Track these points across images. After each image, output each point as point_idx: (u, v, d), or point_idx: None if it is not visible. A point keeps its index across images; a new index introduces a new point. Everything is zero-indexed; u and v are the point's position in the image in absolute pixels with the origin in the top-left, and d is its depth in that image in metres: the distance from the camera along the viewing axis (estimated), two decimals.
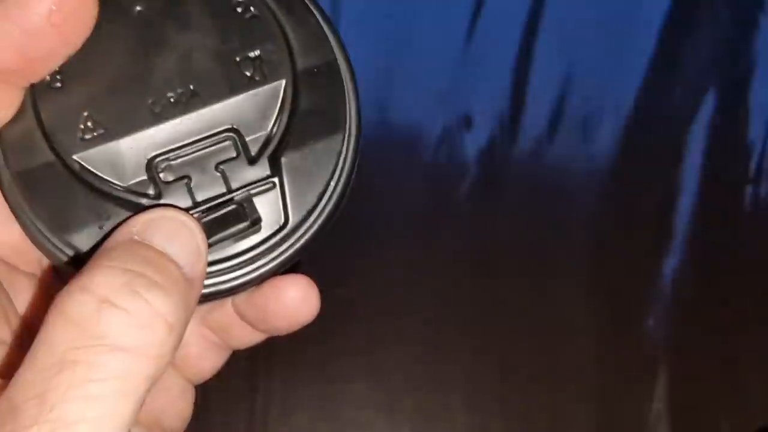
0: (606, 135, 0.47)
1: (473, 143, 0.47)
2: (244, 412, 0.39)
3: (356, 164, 0.21)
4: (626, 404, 0.40)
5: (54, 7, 0.16)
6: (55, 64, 0.17)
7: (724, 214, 0.44)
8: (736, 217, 0.44)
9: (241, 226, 0.19)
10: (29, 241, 0.19)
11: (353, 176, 0.21)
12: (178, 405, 0.24)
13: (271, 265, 0.20)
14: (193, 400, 0.25)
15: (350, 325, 0.40)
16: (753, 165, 0.45)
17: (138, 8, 0.18)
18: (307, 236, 0.20)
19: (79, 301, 0.14)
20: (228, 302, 0.24)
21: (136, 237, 0.16)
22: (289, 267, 0.21)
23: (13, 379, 0.14)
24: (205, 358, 0.24)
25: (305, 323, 0.23)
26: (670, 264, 0.43)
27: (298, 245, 0.20)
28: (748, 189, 0.45)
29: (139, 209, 0.17)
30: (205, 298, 0.19)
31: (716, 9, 0.50)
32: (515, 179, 0.46)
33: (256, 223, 0.19)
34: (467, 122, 0.48)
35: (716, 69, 0.48)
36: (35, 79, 0.17)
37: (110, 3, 0.18)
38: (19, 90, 0.17)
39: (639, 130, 0.47)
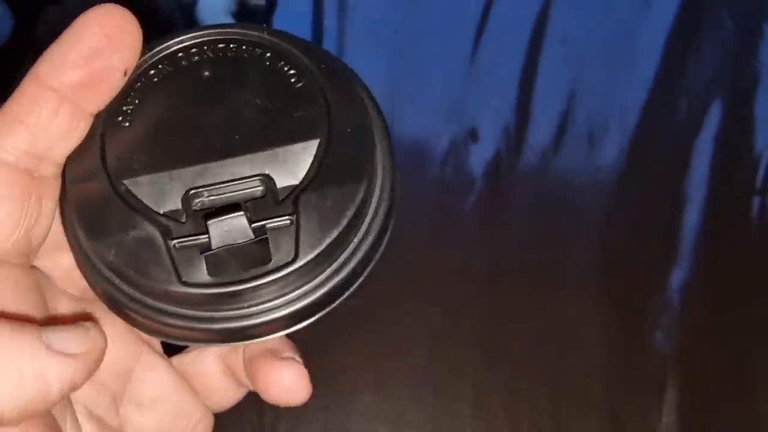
0: (612, 147, 0.47)
1: (479, 156, 0.47)
2: (253, 425, 0.39)
3: (389, 220, 0.22)
4: (635, 417, 0.40)
5: (107, 27, 0.19)
6: (116, 76, 0.19)
7: (731, 225, 0.44)
8: (743, 228, 0.44)
9: (249, 241, 0.19)
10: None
11: (384, 235, 0.22)
12: (198, 430, 0.24)
13: (283, 311, 0.20)
14: (212, 426, 0.25)
15: (358, 338, 0.40)
16: (759, 176, 0.45)
17: (206, 73, 0.21)
18: (320, 278, 0.20)
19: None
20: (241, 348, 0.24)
21: None
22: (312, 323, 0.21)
23: None
24: (228, 390, 0.25)
25: (294, 405, 0.24)
26: (678, 276, 0.43)
27: (311, 290, 0.20)
28: (755, 200, 0.45)
29: (166, 230, 0.20)
30: (223, 339, 0.21)
31: (720, 21, 0.50)
32: (521, 192, 0.46)
33: (264, 246, 0.20)
34: (473, 136, 0.48)
35: (721, 81, 0.48)
36: (100, 101, 0.19)
37: (183, 68, 0.21)
38: (88, 116, 0.19)
39: (645, 142, 0.47)
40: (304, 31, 0.52)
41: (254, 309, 0.20)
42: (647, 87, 0.48)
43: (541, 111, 0.48)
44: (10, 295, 0.19)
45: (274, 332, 0.21)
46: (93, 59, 0.18)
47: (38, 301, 0.20)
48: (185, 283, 0.19)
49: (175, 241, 0.19)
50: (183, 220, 0.20)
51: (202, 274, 0.19)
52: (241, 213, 0.19)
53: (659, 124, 0.48)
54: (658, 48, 0.49)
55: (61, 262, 0.21)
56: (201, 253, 0.19)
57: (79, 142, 0.19)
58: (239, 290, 0.20)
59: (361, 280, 0.22)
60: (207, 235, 0.19)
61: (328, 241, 0.20)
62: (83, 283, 0.21)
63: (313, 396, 0.41)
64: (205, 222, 0.19)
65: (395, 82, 0.50)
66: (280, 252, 0.20)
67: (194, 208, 0.20)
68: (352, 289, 0.21)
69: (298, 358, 0.24)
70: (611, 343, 0.42)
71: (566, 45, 0.50)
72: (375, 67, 0.51)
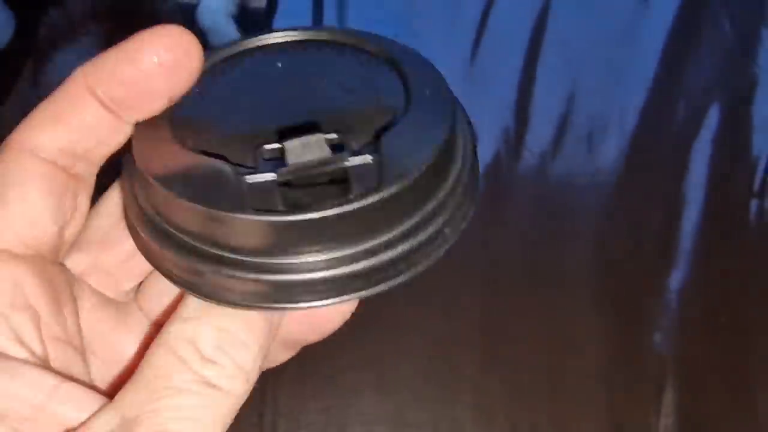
0: (611, 150, 0.47)
1: (479, 159, 0.47)
2: (253, 426, 0.40)
3: (476, 180, 0.20)
4: (634, 418, 0.40)
5: (164, 53, 0.18)
6: (160, 102, 0.19)
7: (729, 227, 0.44)
8: (741, 231, 0.44)
9: (326, 167, 0.17)
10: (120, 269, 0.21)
11: (473, 195, 0.20)
12: None
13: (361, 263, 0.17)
14: None
15: (358, 341, 0.41)
16: (757, 179, 0.45)
17: (279, 59, 0.21)
18: (405, 225, 0.18)
19: (174, 355, 0.17)
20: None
21: None
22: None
23: (124, 397, 0.17)
24: None
25: (334, 330, 0.23)
26: (676, 277, 0.43)
27: (394, 242, 0.18)
28: (753, 202, 0.45)
29: (237, 170, 0.18)
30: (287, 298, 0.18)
31: (719, 25, 0.50)
32: (520, 194, 0.46)
33: (343, 175, 0.18)
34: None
35: (719, 84, 0.48)
36: (142, 116, 0.19)
37: (257, 56, 0.21)
38: (130, 126, 0.19)
39: (644, 144, 0.47)
40: None
41: (330, 254, 0.17)
42: (646, 89, 0.49)
43: (540, 113, 0.49)
44: (39, 288, 0.19)
45: (346, 293, 0.18)
46: (143, 83, 0.18)
47: (67, 298, 0.20)
48: (257, 211, 0.17)
49: (247, 177, 0.17)
50: (256, 165, 0.18)
51: (276, 205, 0.17)
52: (320, 133, 0.18)
53: (658, 126, 0.48)
54: (657, 51, 0.50)
55: (98, 261, 0.21)
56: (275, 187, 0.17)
57: (120, 146, 0.19)
58: (316, 219, 0.17)
59: (448, 244, 0.19)
60: (282, 163, 0.17)
61: (414, 175, 0.18)
62: (113, 285, 0.21)
63: (314, 397, 0.41)
64: (281, 143, 0.18)
65: None
66: (361, 183, 0.17)
67: (266, 157, 0.18)
68: (439, 250, 0.19)
69: None
70: (610, 345, 0.42)
71: (565, 47, 0.51)
72: None
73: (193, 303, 0.18)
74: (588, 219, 0.45)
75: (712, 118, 0.47)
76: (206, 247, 0.18)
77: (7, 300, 0.18)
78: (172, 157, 0.18)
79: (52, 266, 0.19)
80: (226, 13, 0.89)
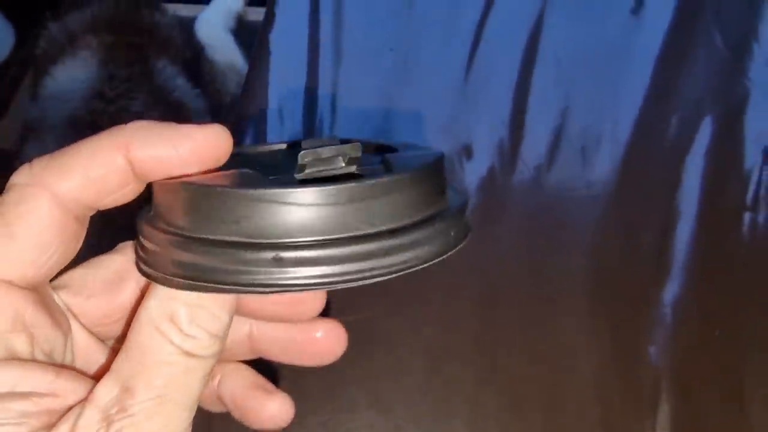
0: (604, 163, 0.47)
1: (474, 172, 0.48)
2: None
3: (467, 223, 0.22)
4: (629, 431, 0.40)
5: (203, 148, 0.20)
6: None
7: (723, 240, 0.45)
8: (735, 244, 0.44)
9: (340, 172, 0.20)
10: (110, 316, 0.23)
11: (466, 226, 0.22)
12: None
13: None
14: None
15: (354, 355, 0.41)
16: (750, 192, 0.46)
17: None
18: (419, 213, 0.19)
19: (156, 332, 0.20)
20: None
21: None
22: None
23: (120, 368, 0.20)
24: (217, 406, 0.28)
25: (331, 361, 0.25)
26: (671, 290, 0.43)
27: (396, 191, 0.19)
28: (746, 215, 0.45)
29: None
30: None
31: (711, 39, 0.51)
32: (515, 207, 0.47)
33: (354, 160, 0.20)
34: (467, 151, 0.48)
35: (712, 97, 0.49)
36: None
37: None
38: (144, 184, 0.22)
39: (637, 158, 0.47)
40: (300, 48, 0.53)
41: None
42: (639, 103, 0.49)
43: (534, 127, 0.49)
44: (38, 315, 0.21)
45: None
46: (177, 164, 0.20)
47: (63, 321, 0.22)
48: (273, 182, 0.19)
49: (270, 177, 0.20)
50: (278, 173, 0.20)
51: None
52: (336, 143, 0.20)
53: (651, 139, 0.48)
54: (650, 65, 0.50)
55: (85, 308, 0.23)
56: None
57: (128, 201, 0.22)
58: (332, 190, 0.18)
59: (457, 246, 0.20)
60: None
61: (420, 166, 0.20)
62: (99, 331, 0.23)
63: (311, 412, 0.41)
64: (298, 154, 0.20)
65: (390, 99, 0.51)
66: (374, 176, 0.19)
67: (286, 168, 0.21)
68: (460, 243, 0.21)
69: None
70: (605, 358, 0.42)
71: (559, 61, 0.51)
72: (370, 84, 0.52)
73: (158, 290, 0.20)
74: (582, 231, 0.46)
75: (705, 131, 0.48)
76: (225, 237, 0.19)
77: (8, 326, 0.20)
78: (194, 176, 0.20)
79: (48, 294, 0.21)
80: (225, 26, 0.90)
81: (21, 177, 0.20)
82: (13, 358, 0.20)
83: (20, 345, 0.20)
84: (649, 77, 0.50)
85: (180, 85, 0.81)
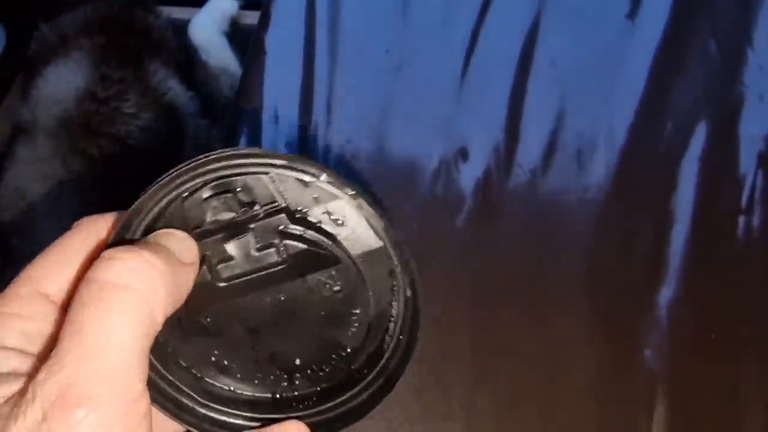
0: (599, 167, 0.47)
1: (469, 175, 0.47)
2: None
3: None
4: None
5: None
6: None
7: (718, 243, 0.45)
8: (730, 247, 0.44)
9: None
10: None
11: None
12: None
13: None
14: None
15: None
16: (745, 195, 0.46)
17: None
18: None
19: (97, 267, 0.21)
20: None
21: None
22: None
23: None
24: None
25: None
26: (666, 294, 0.43)
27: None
28: (741, 219, 0.45)
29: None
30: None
31: (705, 44, 0.51)
32: (511, 210, 0.47)
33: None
34: (463, 154, 0.48)
35: (706, 102, 0.49)
36: None
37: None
38: None
39: (632, 162, 0.48)
40: (296, 51, 0.53)
41: None
42: (634, 107, 0.49)
43: (530, 130, 0.49)
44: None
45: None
46: None
47: None
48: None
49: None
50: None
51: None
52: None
53: (646, 143, 0.48)
54: (645, 69, 0.50)
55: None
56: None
57: None
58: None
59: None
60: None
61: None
62: None
63: None
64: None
65: (386, 101, 0.50)
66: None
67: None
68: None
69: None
70: (600, 361, 0.42)
71: (555, 66, 0.51)
72: (366, 86, 0.51)
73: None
74: (577, 235, 0.46)
75: (700, 135, 0.48)
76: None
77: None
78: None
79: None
80: (218, 29, 0.89)
81: (85, 219, 0.24)
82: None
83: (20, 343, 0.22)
84: (644, 81, 0.50)
85: (173, 87, 0.81)
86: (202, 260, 0.25)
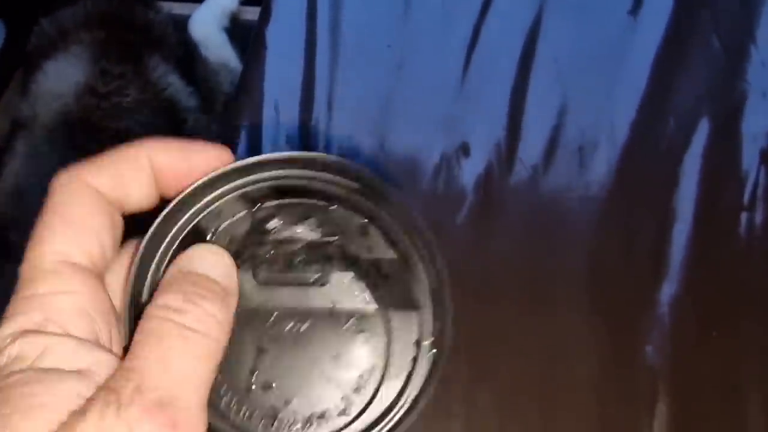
0: (601, 163, 0.47)
1: (471, 171, 0.47)
2: None
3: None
4: (626, 431, 0.40)
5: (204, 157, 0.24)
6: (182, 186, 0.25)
7: (720, 240, 0.45)
8: (732, 244, 0.44)
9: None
10: None
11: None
12: None
13: None
14: None
15: None
16: (747, 192, 0.46)
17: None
18: None
19: (159, 317, 0.21)
20: None
21: (185, 269, 0.23)
22: None
23: (130, 356, 0.21)
24: None
25: None
26: (668, 291, 0.43)
27: None
28: (743, 216, 0.45)
29: None
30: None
31: (708, 40, 0.51)
32: (512, 207, 0.46)
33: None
34: (465, 150, 0.48)
35: (709, 99, 0.49)
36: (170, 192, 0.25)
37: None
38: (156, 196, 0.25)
39: (634, 158, 0.47)
40: (297, 46, 0.53)
41: None
42: (636, 104, 0.49)
43: (532, 126, 0.49)
44: (96, 301, 0.22)
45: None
46: (185, 175, 0.24)
47: (111, 311, 0.24)
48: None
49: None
50: None
51: None
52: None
53: (648, 140, 0.48)
54: (647, 66, 0.50)
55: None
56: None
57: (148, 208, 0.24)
58: None
59: None
60: None
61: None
62: None
63: None
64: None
65: (387, 97, 0.50)
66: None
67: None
68: None
69: None
70: (601, 358, 0.42)
71: (556, 62, 0.51)
72: (367, 82, 0.51)
73: (158, 291, 0.22)
74: (579, 232, 0.45)
75: (702, 132, 0.48)
76: None
77: (72, 306, 0.22)
78: None
79: (102, 284, 0.23)
80: (219, 25, 0.89)
81: (61, 179, 0.23)
82: (91, 341, 0.21)
83: (99, 327, 0.22)
84: (646, 78, 0.50)
85: (173, 82, 0.80)
86: (249, 258, 0.25)
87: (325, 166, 0.25)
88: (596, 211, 0.46)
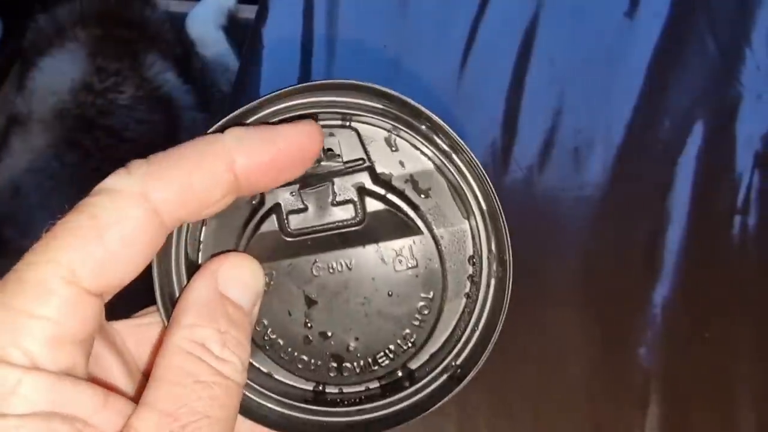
0: (596, 165, 0.47)
1: None
2: None
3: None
4: (618, 431, 0.40)
5: (299, 142, 0.21)
6: (276, 183, 0.22)
7: (713, 243, 0.45)
8: (725, 246, 0.44)
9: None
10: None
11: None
12: None
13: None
14: None
15: None
16: (741, 195, 0.46)
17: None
18: None
19: (191, 356, 0.20)
20: None
21: (221, 290, 0.21)
22: None
23: (156, 396, 0.19)
24: None
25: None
26: (661, 292, 0.43)
27: None
28: (736, 218, 0.45)
29: None
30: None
31: (703, 43, 0.51)
32: (507, 207, 0.46)
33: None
34: None
35: (704, 101, 0.49)
36: (252, 193, 0.22)
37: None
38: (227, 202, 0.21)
39: (629, 160, 0.47)
40: (293, 43, 0.53)
41: None
42: (631, 106, 0.49)
43: (527, 127, 0.49)
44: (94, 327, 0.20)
45: None
46: (278, 161, 0.21)
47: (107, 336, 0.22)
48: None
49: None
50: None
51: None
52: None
53: (643, 142, 0.48)
54: (643, 68, 0.50)
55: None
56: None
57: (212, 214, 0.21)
58: None
59: None
60: None
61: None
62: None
63: None
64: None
65: None
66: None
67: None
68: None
69: None
70: (595, 359, 0.42)
71: (552, 63, 0.51)
72: (363, 79, 0.51)
73: (189, 312, 0.20)
74: (574, 233, 0.46)
75: (697, 135, 0.48)
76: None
77: (74, 335, 0.19)
78: None
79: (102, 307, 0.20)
80: (216, 23, 0.89)
81: (118, 182, 0.19)
82: (68, 374, 0.18)
83: (79, 358, 0.19)
84: (642, 80, 0.50)
85: (169, 79, 0.80)
86: (273, 208, 0.23)
87: (339, 88, 0.23)
88: (591, 211, 0.46)
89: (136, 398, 0.20)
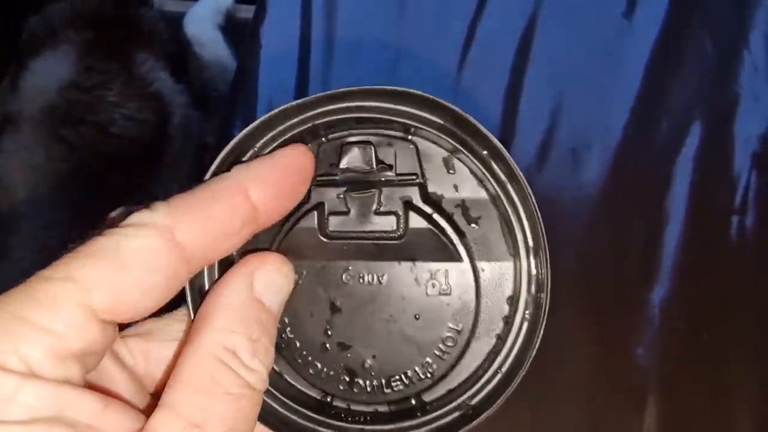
0: (594, 165, 0.47)
1: None
2: None
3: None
4: (616, 431, 0.40)
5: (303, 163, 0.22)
6: (291, 205, 0.23)
7: (711, 243, 0.45)
8: (723, 247, 0.44)
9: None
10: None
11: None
12: None
13: None
14: None
15: None
16: (738, 195, 0.46)
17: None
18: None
19: (222, 365, 0.20)
20: None
21: (256, 294, 0.21)
22: None
23: (182, 400, 0.19)
24: None
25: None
26: (658, 292, 0.43)
27: None
28: (734, 219, 0.45)
29: None
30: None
31: (701, 44, 0.51)
32: None
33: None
34: None
35: (702, 102, 0.49)
36: (270, 223, 0.22)
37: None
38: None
39: (627, 160, 0.47)
40: (291, 42, 0.52)
41: None
42: (629, 106, 0.49)
43: (525, 128, 0.49)
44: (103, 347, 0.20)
45: None
46: (286, 181, 0.22)
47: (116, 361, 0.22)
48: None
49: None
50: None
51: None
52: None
53: (641, 143, 0.48)
54: (640, 69, 0.50)
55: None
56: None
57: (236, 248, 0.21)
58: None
59: None
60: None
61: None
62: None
63: None
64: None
65: None
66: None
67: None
68: None
69: None
70: (592, 359, 0.42)
71: (550, 63, 0.51)
72: (361, 81, 0.51)
73: (223, 314, 0.20)
74: (571, 233, 0.46)
75: (694, 135, 0.48)
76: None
77: (76, 351, 0.19)
78: None
79: (116, 333, 0.20)
80: (213, 23, 0.89)
81: (143, 217, 0.19)
82: (67, 382, 0.18)
83: (76, 371, 0.18)
84: (639, 81, 0.50)
85: (161, 77, 0.80)
86: (316, 206, 0.23)
87: (403, 97, 0.22)
88: (588, 212, 0.46)
89: (145, 413, 0.20)
